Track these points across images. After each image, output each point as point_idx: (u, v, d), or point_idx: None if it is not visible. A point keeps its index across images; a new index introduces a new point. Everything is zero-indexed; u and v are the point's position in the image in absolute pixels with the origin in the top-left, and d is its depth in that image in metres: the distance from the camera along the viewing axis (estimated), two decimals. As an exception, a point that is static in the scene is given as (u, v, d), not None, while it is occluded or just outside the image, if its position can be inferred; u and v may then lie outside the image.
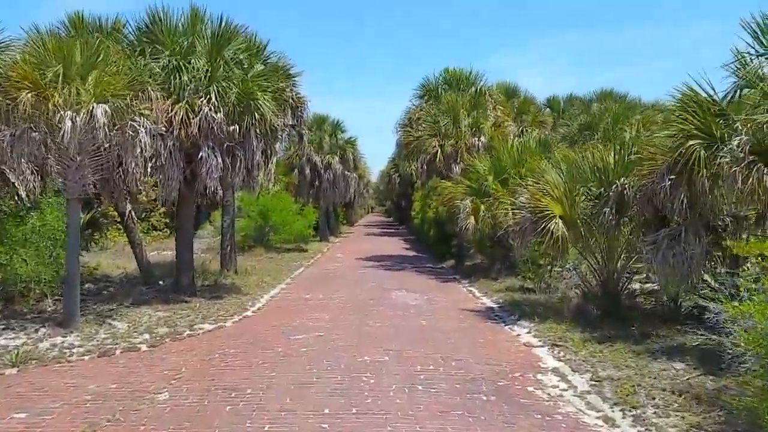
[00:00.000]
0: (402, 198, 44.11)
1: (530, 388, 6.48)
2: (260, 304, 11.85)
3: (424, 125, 17.99)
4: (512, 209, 12.18)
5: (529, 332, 9.21)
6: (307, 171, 29.90)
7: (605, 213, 9.06)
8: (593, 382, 6.71)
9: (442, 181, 16.90)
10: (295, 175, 30.26)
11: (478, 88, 18.93)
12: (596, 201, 9.28)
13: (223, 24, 11.35)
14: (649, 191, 7.77)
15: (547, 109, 26.19)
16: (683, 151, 6.70)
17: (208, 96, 10.59)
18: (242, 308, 11.18)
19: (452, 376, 6.80)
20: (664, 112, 24.43)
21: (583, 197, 9.45)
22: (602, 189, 9.17)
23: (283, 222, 24.05)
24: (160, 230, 28.85)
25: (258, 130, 11.43)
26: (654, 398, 6.14)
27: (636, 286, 11.32)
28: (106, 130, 7.97)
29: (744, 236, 8.43)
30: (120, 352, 7.84)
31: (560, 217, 9.26)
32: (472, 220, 14.69)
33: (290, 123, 15.60)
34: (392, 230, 46.87)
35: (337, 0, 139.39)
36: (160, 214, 29.31)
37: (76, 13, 11.57)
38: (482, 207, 14.80)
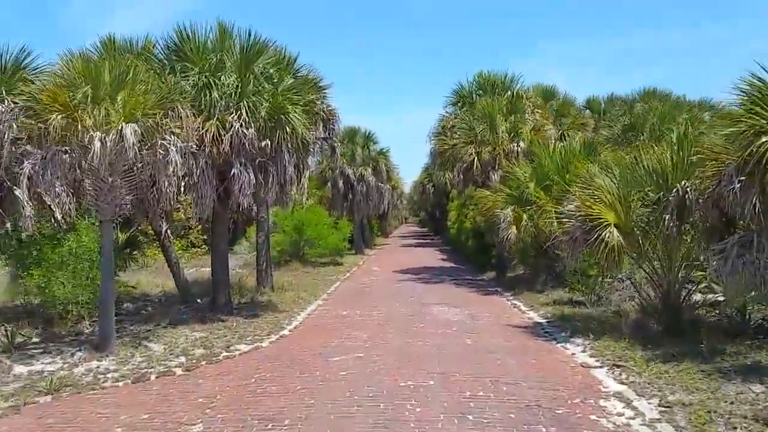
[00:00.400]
0: (436, 208, 43.56)
1: (593, 417, 5.87)
2: (297, 322, 11.51)
3: (459, 133, 17.49)
4: (558, 217, 11.58)
5: (584, 351, 8.55)
6: (340, 184, 29.71)
7: (665, 219, 8.37)
8: (662, 408, 6.05)
9: (480, 189, 16.31)
10: (329, 189, 30.11)
11: (515, 91, 18.31)
12: (654, 207, 8.59)
13: (252, 38, 11.20)
14: (715, 194, 7.09)
15: (587, 111, 25.32)
16: (754, 149, 6.03)
17: (239, 112, 10.39)
18: (279, 327, 10.85)
19: (504, 403, 6.25)
20: (714, 109, 23.44)
21: (639, 203, 8.75)
22: (661, 193, 8.47)
23: (318, 236, 23.84)
24: (199, 247, 29.05)
25: (290, 145, 11.17)
26: (735, 428, 5.46)
27: (697, 297, 10.51)
28: (136, 149, 7.78)
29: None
30: (155, 377, 7.58)
31: (614, 224, 8.60)
32: (513, 229, 14.06)
33: (322, 136, 15.39)
34: (427, 241, 46.28)
35: (348, 13, 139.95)
36: (198, 231, 29.59)
37: (108, 35, 11.64)
38: (524, 216, 14.16)
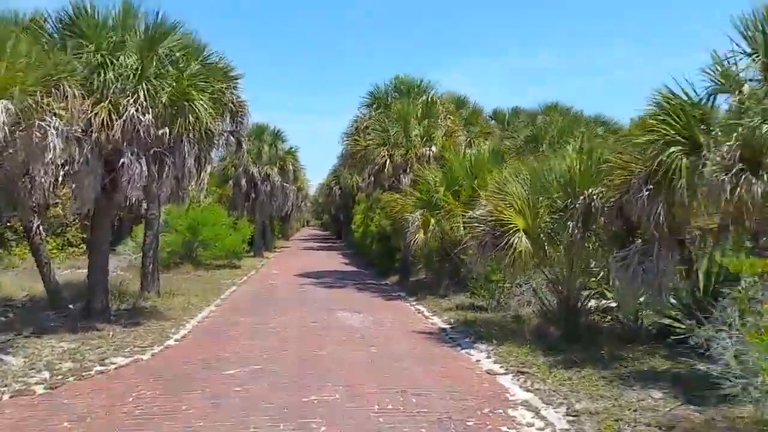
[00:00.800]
0: (341, 210, 43.08)
1: (504, 429, 5.63)
2: (185, 330, 10.45)
3: (372, 134, 17.11)
4: (467, 222, 11.55)
5: (488, 357, 8.42)
6: (243, 182, 28.34)
7: (570, 226, 8.46)
8: (570, 418, 5.95)
9: (390, 192, 16.02)
10: (230, 187, 28.63)
11: (430, 96, 18.28)
12: (561, 213, 8.67)
13: (159, 18, 10.09)
14: (621, 202, 7.21)
15: (493, 121, 26.10)
16: (663, 158, 6.14)
17: (136, 95, 9.23)
18: (164, 336, 9.77)
19: (415, 417, 5.84)
20: (606, 124, 24.97)
21: (547, 210, 8.80)
22: (568, 200, 8.57)
23: (215, 237, 22.43)
24: (77, 246, 26.38)
25: (192, 135, 10.15)
26: (642, 436, 5.45)
27: (592, 303, 10.85)
28: (6, 131, 6.53)
29: (708, 249, 8.13)
30: (8, 398, 6.38)
31: (523, 230, 8.57)
32: (421, 233, 13.90)
33: (228, 129, 14.37)
34: (330, 244, 45.67)
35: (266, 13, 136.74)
36: (76, 229, 26.89)
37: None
38: (432, 220, 14.05)
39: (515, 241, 8.41)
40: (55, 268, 19.02)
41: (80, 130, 8.37)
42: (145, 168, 9.43)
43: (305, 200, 45.46)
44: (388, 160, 16.60)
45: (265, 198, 29.38)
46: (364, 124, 18.29)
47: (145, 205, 15.40)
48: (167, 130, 9.71)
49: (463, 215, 13.40)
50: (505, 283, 11.79)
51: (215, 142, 11.42)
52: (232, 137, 14.62)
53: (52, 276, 12.44)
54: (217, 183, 28.84)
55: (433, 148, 16.52)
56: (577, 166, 8.70)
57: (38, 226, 11.95)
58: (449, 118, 18.49)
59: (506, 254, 8.62)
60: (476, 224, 9.49)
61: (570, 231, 8.49)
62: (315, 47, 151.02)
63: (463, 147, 16.77)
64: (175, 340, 9.59)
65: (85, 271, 19.92)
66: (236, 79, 12.43)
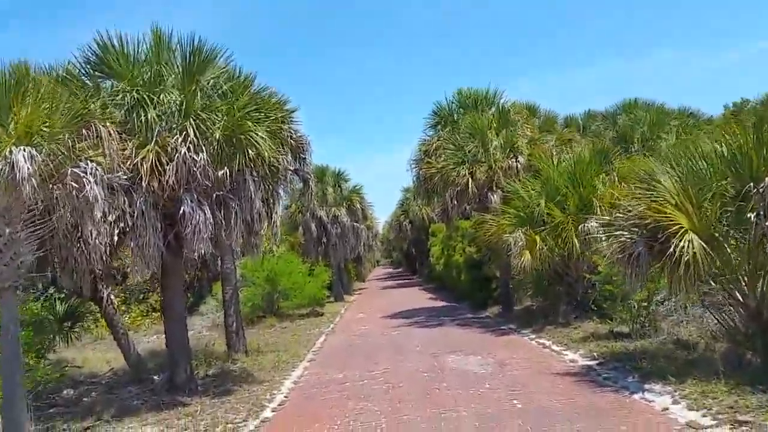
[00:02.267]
0: (413, 245, 41.45)
1: None
2: (281, 395, 9.00)
3: (445, 154, 15.55)
4: (589, 235, 9.69)
5: (676, 402, 6.37)
6: (313, 227, 27.38)
7: (751, 220, 6.44)
8: None
9: (481, 214, 14.24)
10: (300, 233, 27.72)
11: (500, 105, 16.62)
12: (740, 204, 6.65)
13: (196, 45, 8.87)
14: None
15: (566, 129, 24.09)
16: None
17: (185, 133, 8.14)
18: (258, 405, 8.34)
19: None
20: (695, 116, 22.38)
21: (718, 201, 6.81)
22: (743, 187, 6.57)
23: (294, 285, 21.34)
24: (160, 311, 26.12)
25: (255, 173, 9.00)
26: None
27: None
28: (35, 183, 5.44)
29: None
30: None
31: (690, 230, 6.61)
32: (527, 255, 12.02)
33: (291, 168, 13.32)
34: (406, 281, 43.97)
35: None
36: (158, 293, 26.70)
37: (21, 61, 9.23)
38: (537, 238, 12.17)
39: (685, 246, 6.45)
40: (141, 336, 18.47)
41: (125, 178, 7.27)
42: (209, 215, 8.23)
43: (375, 239, 44.25)
44: (470, 178, 14.92)
45: (337, 240, 28.29)
46: (433, 146, 16.74)
47: (219, 259, 14.51)
48: (227, 170, 8.56)
49: (577, 228, 11.56)
50: (650, 302, 9.68)
51: (281, 177, 10.21)
52: (296, 176, 13.52)
53: (132, 347, 11.47)
54: (286, 231, 28.07)
55: (520, 159, 14.74)
56: (749, 144, 6.70)
57: (108, 295, 11.06)
58: (526, 126, 16.71)
59: (669, 264, 6.68)
60: (615, 232, 7.60)
61: (753, 226, 6.46)
62: (342, 85, 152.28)
63: (554, 154, 14.86)
64: (272, 410, 8.13)
65: None
66: (291, 112, 11.32)
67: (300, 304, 21.58)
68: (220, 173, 8.60)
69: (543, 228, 12.28)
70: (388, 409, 7.38)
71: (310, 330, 17.68)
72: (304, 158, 13.51)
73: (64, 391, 10.56)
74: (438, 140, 16.57)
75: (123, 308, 25.39)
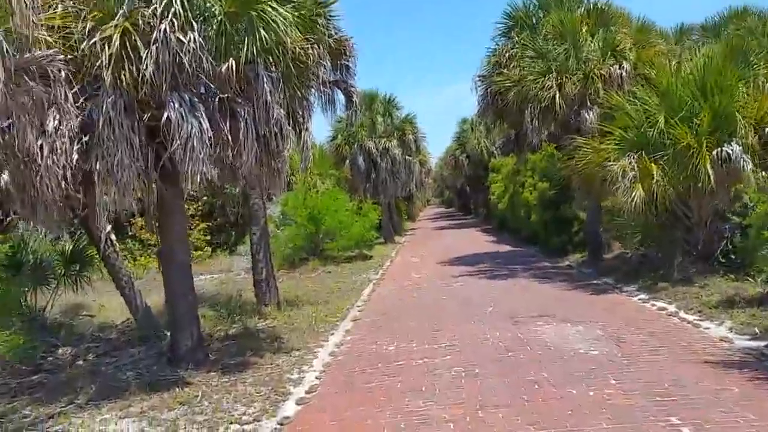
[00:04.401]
0: (469, 182, 38.22)
1: None
2: (313, 375, 6.67)
3: (524, 63, 12.25)
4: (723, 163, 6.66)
5: None
6: (361, 161, 24.75)
7: None
8: None
9: (571, 138, 11.07)
10: (347, 167, 25.18)
11: (591, 3, 13.02)
12: None
13: None
14: None
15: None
16: None
17: (165, 1, 5.49)
18: (281, 393, 6.04)
19: None
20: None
21: None
22: None
23: (340, 225, 19.02)
24: (201, 249, 24.62)
25: (273, 67, 6.37)
26: None
27: None
28: None
29: None
30: None
31: None
32: (640, 189, 9.01)
33: (331, 78, 10.57)
34: (461, 221, 41.21)
35: None
36: (199, 230, 25.14)
37: None
38: (654, 167, 9.09)
39: None
40: (154, 280, 16.61)
41: (62, 60, 4.75)
42: (206, 125, 5.71)
43: (428, 175, 41.20)
44: (557, 92, 11.64)
45: (387, 176, 25.55)
46: (507, 55, 13.41)
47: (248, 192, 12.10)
48: (233, 63, 5.95)
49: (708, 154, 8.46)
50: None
51: (313, 80, 7.49)
52: (338, 90, 10.74)
53: (138, 299, 9.41)
54: (331, 165, 25.63)
55: (625, 66, 11.33)
56: None
57: (108, 235, 8.89)
58: (623, 31, 13.07)
59: None
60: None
61: None
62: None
63: (669, 61, 11.35)
64: (297, 402, 5.80)
65: (215, 275, 17.26)
66: (329, 4, 8.61)
67: (346, 246, 19.34)
68: (223, 68, 6.02)
69: (666, 153, 9.17)
70: (464, 420, 4.83)
71: (356, 276, 15.46)
72: (348, 66, 10.75)
73: (60, 350, 8.74)
74: (513, 48, 13.24)
75: (131, 256, 23.41)
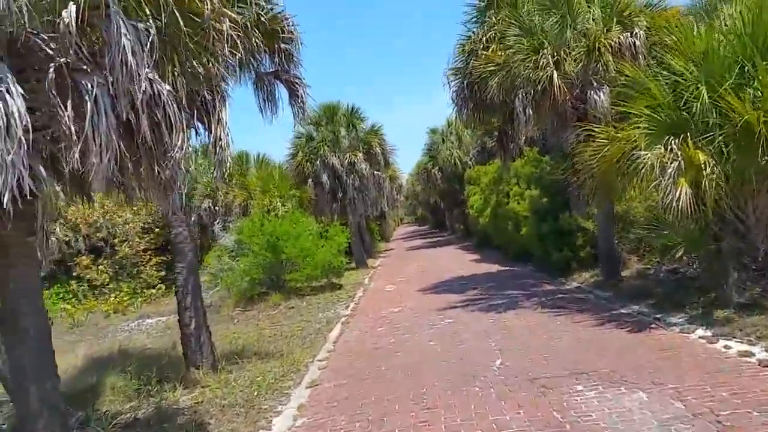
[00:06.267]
0: (443, 196, 35.94)
1: None
2: None
3: (509, 41, 9.90)
4: None
5: None
6: (325, 178, 22.21)
7: None
8: None
9: (580, 125, 8.73)
10: (310, 187, 22.62)
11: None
12: None
13: None
14: None
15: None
16: None
17: None
18: None
19: None
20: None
21: None
22: None
23: (302, 252, 16.40)
24: (155, 287, 21.83)
25: (138, 13, 3.88)
26: None
27: None
28: None
29: None
30: None
31: None
32: (685, 186, 6.70)
33: (268, 71, 8.33)
34: (436, 239, 38.82)
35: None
36: (151, 266, 22.31)
37: None
38: (701, 157, 6.81)
39: None
40: (117, 321, 14.01)
41: None
42: (20, 103, 3.22)
43: (400, 192, 38.81)
44: (554, 71, 9.32)
45: (355, 194, 23.05)
46: (484, 39, 11.12)
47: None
48: (73, 9, 3.48)
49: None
50: None
51: (219, 49, 4.96)
52: (279, 83, 8.28)
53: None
54: (292, 185, 23.10)
55: (639, 33, 9.11)
56: None
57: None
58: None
59: None
60: None
61: None
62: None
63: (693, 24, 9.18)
64: None
65: (170, 318, 14.51)
66: None
67: (312, 276, 16.71)
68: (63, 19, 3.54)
69: (710, 136, 6.91)
70: None
71: (323, 312, 12.89)
72: (289, 52, 8.37)
73: None
74: (490, 30, 10.94)
75: (112, 285, 21.15)
